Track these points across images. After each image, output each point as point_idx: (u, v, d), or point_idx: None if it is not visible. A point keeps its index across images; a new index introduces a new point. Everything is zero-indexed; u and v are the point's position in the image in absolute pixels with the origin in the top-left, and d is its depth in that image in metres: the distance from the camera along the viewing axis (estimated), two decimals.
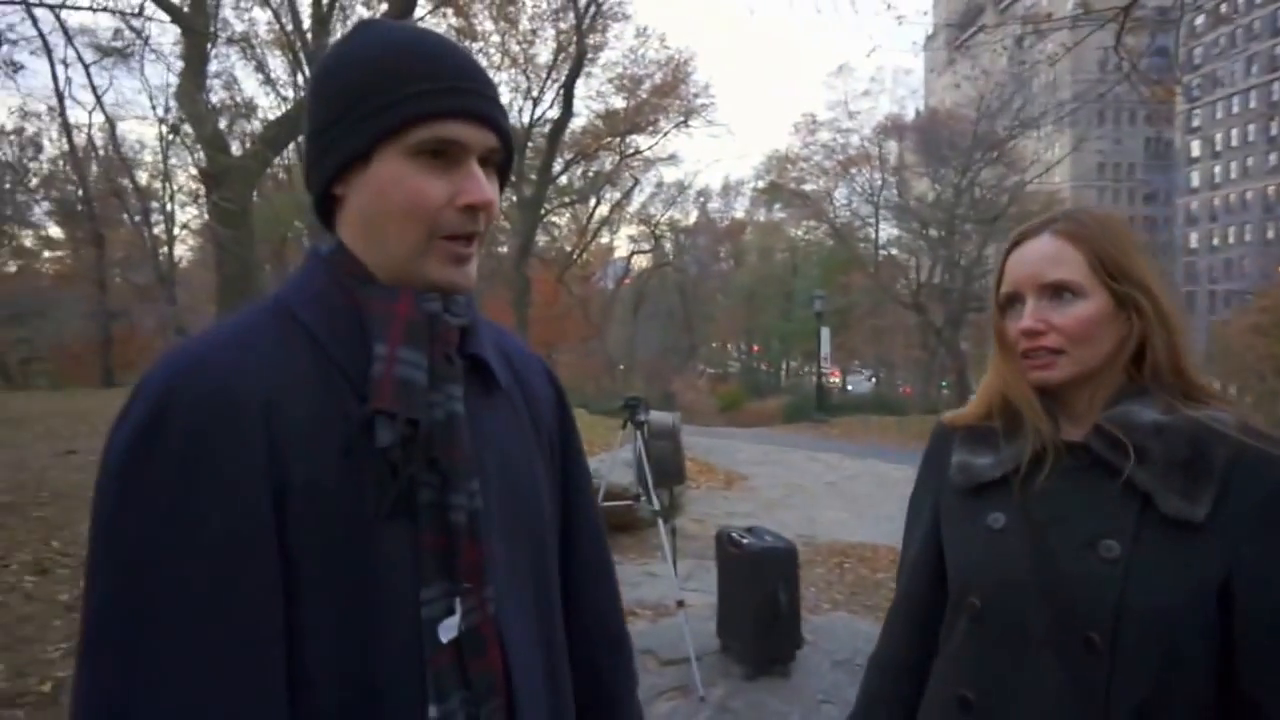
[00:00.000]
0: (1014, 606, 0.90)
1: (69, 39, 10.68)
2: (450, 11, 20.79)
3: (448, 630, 0.70)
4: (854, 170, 27.53)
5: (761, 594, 3.68)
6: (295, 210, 25.30)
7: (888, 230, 29.91)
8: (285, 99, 20.31)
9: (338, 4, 19.48)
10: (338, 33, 19.80)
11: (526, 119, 24.33)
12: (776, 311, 39.26)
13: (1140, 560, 0.84)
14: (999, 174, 23.57)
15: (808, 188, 28.74)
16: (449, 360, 0.73)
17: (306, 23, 19.09)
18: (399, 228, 0.70)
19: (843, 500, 9.37)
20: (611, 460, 5.93)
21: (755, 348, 44.61)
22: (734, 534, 4.01)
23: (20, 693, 3.08)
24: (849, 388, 36.22)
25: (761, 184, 32.60)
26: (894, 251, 29.60)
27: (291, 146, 18.34)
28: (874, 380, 36.71)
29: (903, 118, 27.94)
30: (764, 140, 75.16)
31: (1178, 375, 0.92)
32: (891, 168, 27.22)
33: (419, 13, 18.04)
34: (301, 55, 19.20)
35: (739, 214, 40.61)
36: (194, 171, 21.29)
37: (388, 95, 0.70)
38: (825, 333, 19.97)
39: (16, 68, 11.93)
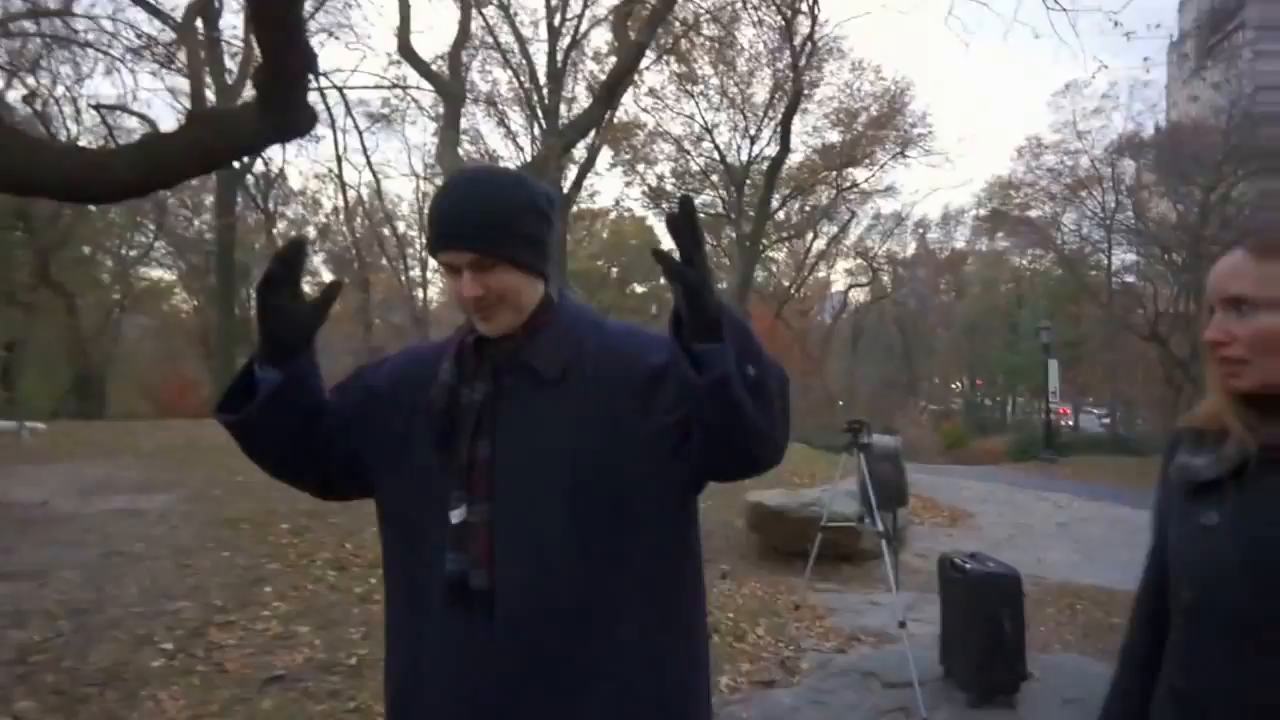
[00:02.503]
0: (1224, 602, 0.95)
1: (348, 110, 12.50)
2: (673, 59, 21.96)
3: (456, 516, 1.10)
4: (1084, 193, 25.21)
5: (984, 620, 3.69)
6: None
7: (1122, 256, 27.06)
8: (522, 149, 22.02)
9: (570, 60, 21.40)
10: (569, 88, 21.65)
11: (744, 156, 24.82)
12: (1001, 345, 36.56)
13: None
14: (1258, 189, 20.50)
15: (1032, 214, 26.64)
16: (477, 370, 1.15)
17: (542, 79, 21.11)
18: (461, 304, 1.14)
19: (1073, 542, 8.89)
20: (833, 489, 6.10)
21: (979, 382, 41.83)
22: (956, 559, 4.05)
23: (335, 663, 3.77)
24: (1079, 427, 32.88)
25: (983, 212, 30.81)
26: (1129, 279, 26.65)
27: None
28: (1108, 420, 32.96)
29: (1139, 134, 25.16)
30: (985, 167, 70.20)
31: None
32: (1126, 188, 24.61)
33: (645, 61, 19.14)
34: (538, 109, 21.16)
35: (959, 244, 38.49)
36: None
37: (427, 231, 1.17)
38: (1053, 366, 18.49)
39: (317, 139, 14.16)
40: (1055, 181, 25.39)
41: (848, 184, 26.45)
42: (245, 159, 18.18)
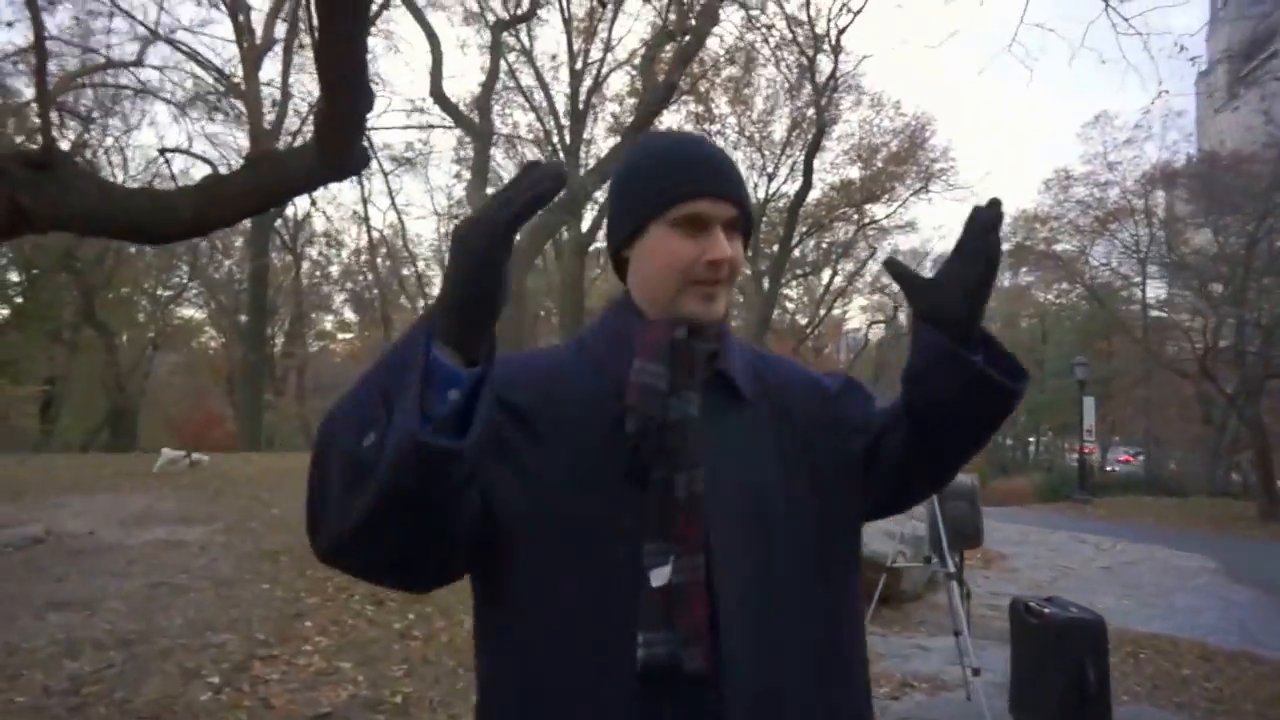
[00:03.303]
0: None
1: (374, 153, 12.86)
2: (692, 99, 22.16)
3: (659, 577, 0.83)
4: (1114, 225, 25.06)
5: (1067, 669, 3.55)
6: (546, 291, 28.09)
7: (1157, 289, 26.75)
8: None
9: (590, 103, 21.66)
10: (589, 129, 21.90)
11: (762, 194, 24.78)
12: None
13: None
14: None
15: (1059, 248, 26.46)
16: (690, 374, 0.90)
17: (564, 120, 21.37)
18: (663, 278, 0.93)
19: (1122, 587, 8.62)
20: (877, 529, 5.92)
21: None
22: (1032, 603, 3.90)
23: (379, 700, 3.70)
24: (1112, 467, 32.27)
25: (1007, 246, 30.59)
26: (1164, 313, 26.26)
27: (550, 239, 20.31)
28: (1140, 457, 32.28)
29: (1173, 164, 24.98)
30: (1009, 201, 69.82)
31: None
32: (1161, 220, 24.38)
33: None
34: (559, 150, 21.35)
35: None
36: None
37: (655, 184, 0.94)
38: (1089, 403, 18.12)
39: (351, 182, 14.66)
40: (1084, 214, 25.10)
41: (867, 220, 26.30)
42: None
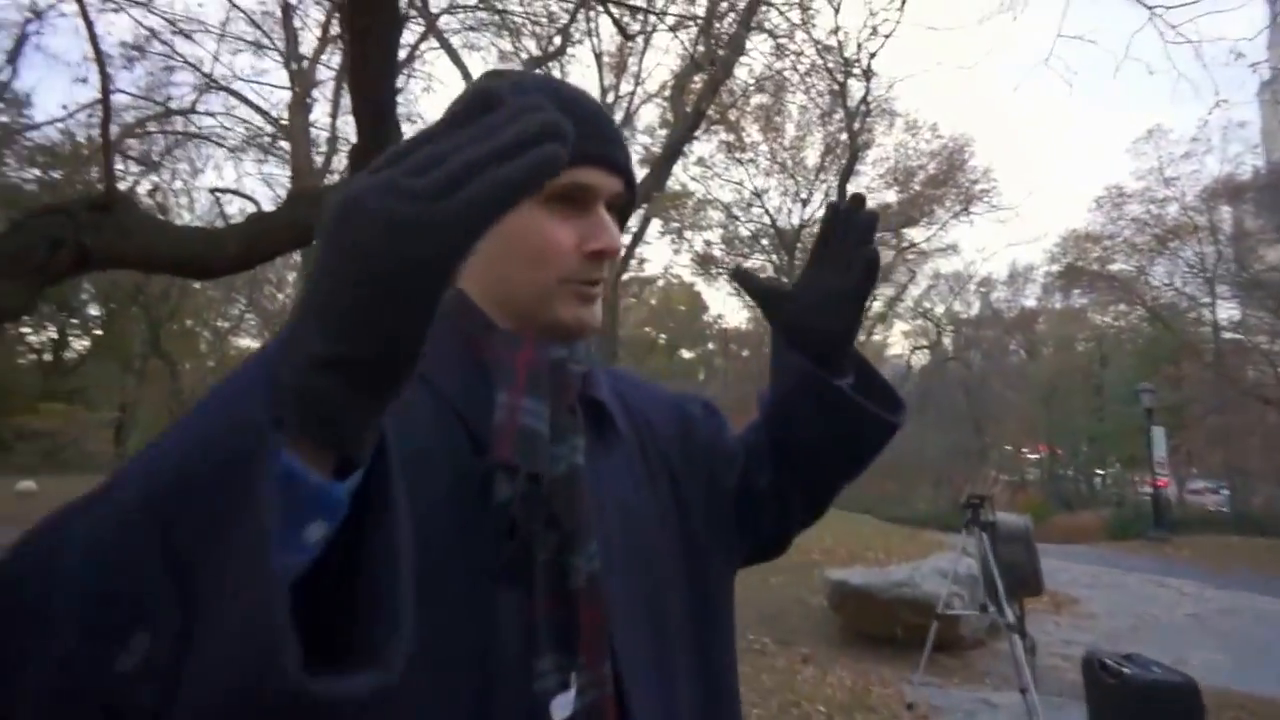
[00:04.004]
0: None
1: None
2: (722, 128, 22.16)
3: (561, 708, 0.62)
4: (1175, 243, 23.96)
5: None
6: None
7: (1229, 310, 25.32)
8: None
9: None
10: None
11: (795, 220, 24.73)
12: (1083, 409, 34.58)
13: None
14: None
15: (1114, 268, 25.45)
16: (571, 411, 0.69)
17: None
18: (528, 274, 0.69)
19: (1216, 639, 7.64)
20: (929, 568, 5.52)
21: (1056, 450, 39.55)
22: (1109, 660, 3.45)
23: None
24: (1198, 499, 30.35)
25: (1056, 268, 29.60)
26: (1239, 335, 24.83)
27: None
28: (1223, 491, 30.32)
29: (1237, 177, 23.83)
30: (1057, 221, 67.94)
31: None
32: (1228, 236, 23.21)
33: (697, 131, 19.52)
34: None
35: (1029, 302, 37.13)
36: None
37: None
38: (1159, 433, 16.87)
39: None
40: (1140, 232, 24.21)
41: (906, 244, 25.89)
42: None
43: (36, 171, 13.84)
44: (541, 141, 0.40)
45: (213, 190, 14.13)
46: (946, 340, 34.80)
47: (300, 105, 9.13)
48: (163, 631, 0.37)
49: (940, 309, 32.58)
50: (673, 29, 9.62)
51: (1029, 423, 38.08)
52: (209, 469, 0.39)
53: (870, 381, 0.83)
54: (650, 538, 0.75)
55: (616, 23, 8.26)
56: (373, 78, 3.47)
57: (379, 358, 0.40)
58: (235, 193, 13.18)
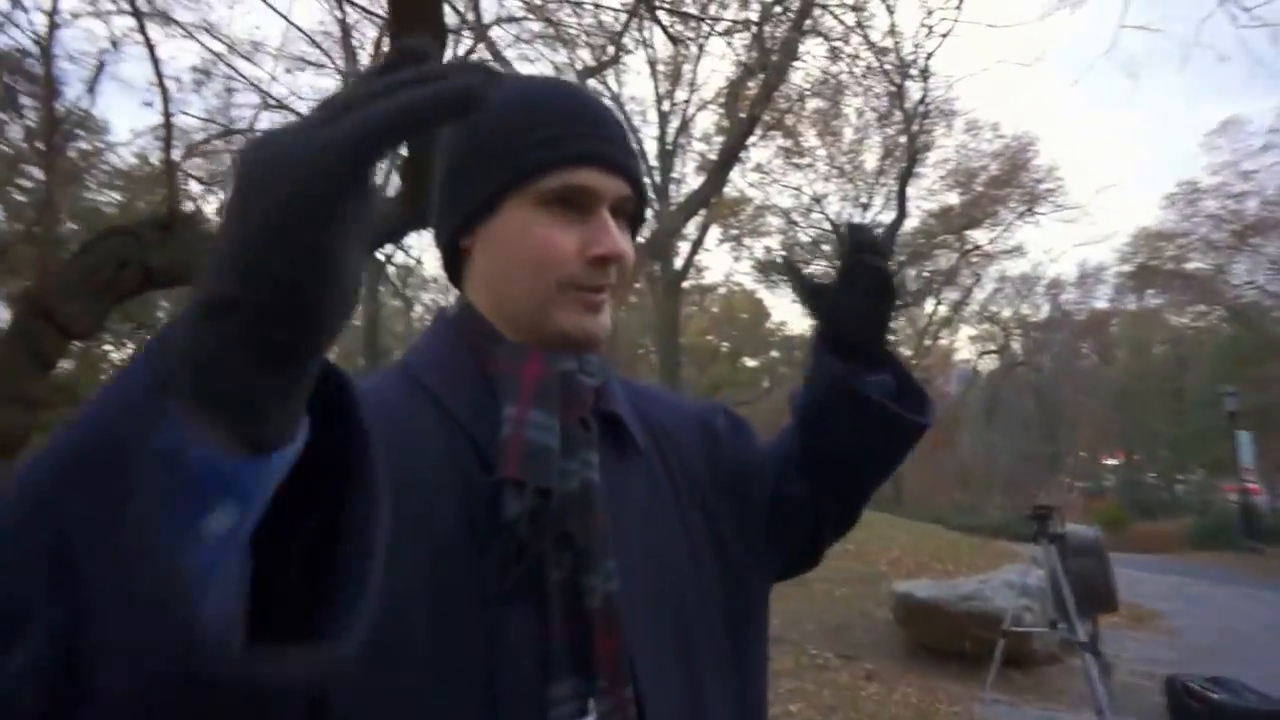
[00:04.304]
0: None
1: None
2: (779, 134, 22.06)
3: None
4: (1256, 239, 22.78)
5: None
6: (642, 329, 28.24)
7: None
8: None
9: (678, 143, 21.82)
10: (678, 169, 22.27)
11: None
12: (1162, 413, 33.09)
13: None
14: None
15: (1191, 266, 24.37)
16: (584, 424, 0.67)
17: (653, 161, 21.71)
18: (527, 280, 0.67)
19: None
20: (999, 581, 5.33)
21: (1134, 456, 37.93)
22: (1193, 684, 3.38)
23: None
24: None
25: (1128, 267, 28.45)
26: None
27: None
28: None
29: None
30: (1127, 219, 64.84)
31: None
32: None
33: (751, 138, 19.50)
34: (652, 189, 21.80)
35: (1101, 304, 35.77)
36: None
37: (516, 141, 0.67)
38: (1245, 438, 16.06)
39: None
40: (1218, 229, 23.15)
41: (970, 247, 25.29)
42: (391, 250, 20.70)
43: (116, 194, 14.54)
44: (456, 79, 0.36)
45: None
46: (1015, 344, 33.80)
47: None
48: (44, 628, 0.34)
49: (1007, 312, 31.63)
50: (723, 34, 9.61)
51: (1104, 428, 36.66)
52: (94, 445, 0.35)
53: (902, 381, 0.81)
54: (675, 556, 0.72)
55: (666, 30, 8.26)
56: None
57: (267, 306, 0.36)
58: None
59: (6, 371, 3.24)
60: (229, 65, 11.24)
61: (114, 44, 8.94)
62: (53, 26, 6.85)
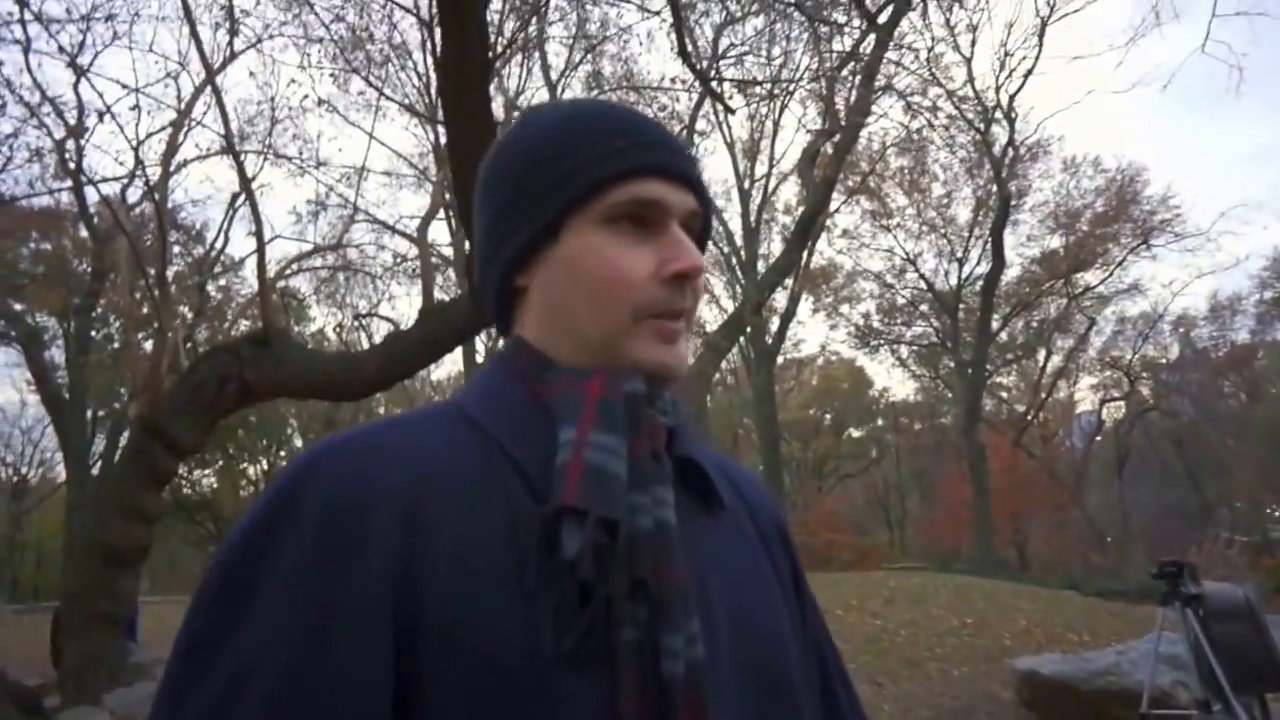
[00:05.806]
0: None
1: None
2: (863, 197, 21.84)
3: None
4: None
5: None
6: (743, 408, 27.93)
7: None
8: (725, 310, 22.73)
9: (762, 218, 21.94)
10: (764, 245, 22.35)
11: (954, 280, 23.74)
12: None
13: None
14: None
15: None
16: (655, 457, 0.57)
17: (739, 239, 21.85)
18: (595, 309, 0.60)
19: None
20: (1140, 653, 4.74)
21: None
22: None
23: None
24: None
25: (1270, 294, 26.21)
26: None
27: (735, 351, 20.50)
28: None
29: None
30: (1261, 241, 58.95)
31: None
32: None
33: (835, 203, 19.43)
34: (737, 269, 21.83)
35: (1240, 336, 32.90)
36: None
37: (577, 157, 0.60)
38: None
39: None
40: None
41: (1079, 290, 23.89)
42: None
43: (246, 323, 16.60)
44: None
45: (356, 316, 15.22)
46: (1144, 389, 31.31)
47: (424, 227, 9.95)
48: None
49: (1131, 355, 29.52)
50: (776, 97, 9.66)
51: (1261, 473, 33.12)
52: None
53: None
54: (771, 626, 0.62)
55: (717, 97, 8.43)
56: (466, 180, 3.69)
57: None
58: (378, 315, 14.26)
59: (125, 488, 3.53)
60: (340, 196, 12.30)
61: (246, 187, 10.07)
62: (165, 175, 7.78)
